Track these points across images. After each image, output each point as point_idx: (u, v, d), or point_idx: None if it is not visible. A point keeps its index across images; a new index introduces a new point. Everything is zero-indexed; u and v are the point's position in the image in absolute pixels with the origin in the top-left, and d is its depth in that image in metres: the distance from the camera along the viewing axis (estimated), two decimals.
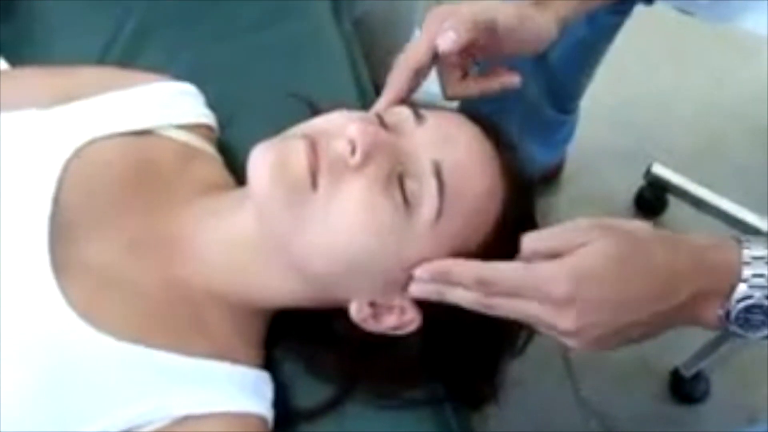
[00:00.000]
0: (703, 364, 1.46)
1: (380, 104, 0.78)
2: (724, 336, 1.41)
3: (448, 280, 0.69)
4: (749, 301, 0.66)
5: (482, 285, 0.67)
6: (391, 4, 1.26)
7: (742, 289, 0.66)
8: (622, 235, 0.67)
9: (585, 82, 1.49)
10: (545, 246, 0.67)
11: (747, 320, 0.67)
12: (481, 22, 0.77)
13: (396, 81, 0.78)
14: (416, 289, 0.71)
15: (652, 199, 1.66)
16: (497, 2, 0.80)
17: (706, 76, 1.84)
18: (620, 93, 1.78)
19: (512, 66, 0.82)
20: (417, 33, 1.45)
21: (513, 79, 0.82)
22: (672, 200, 1.66)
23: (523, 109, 1.38)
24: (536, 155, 1.51)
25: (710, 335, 1.43)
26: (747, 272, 0.66)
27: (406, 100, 0.78)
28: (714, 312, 0.68)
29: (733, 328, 0.68)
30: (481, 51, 0.80)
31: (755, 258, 0.66)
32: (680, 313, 0.67)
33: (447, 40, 0.76)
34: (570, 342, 0.68)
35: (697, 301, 0.67)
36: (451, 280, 0.68)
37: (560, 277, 0.65)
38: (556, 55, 1.31)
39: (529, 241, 0.68)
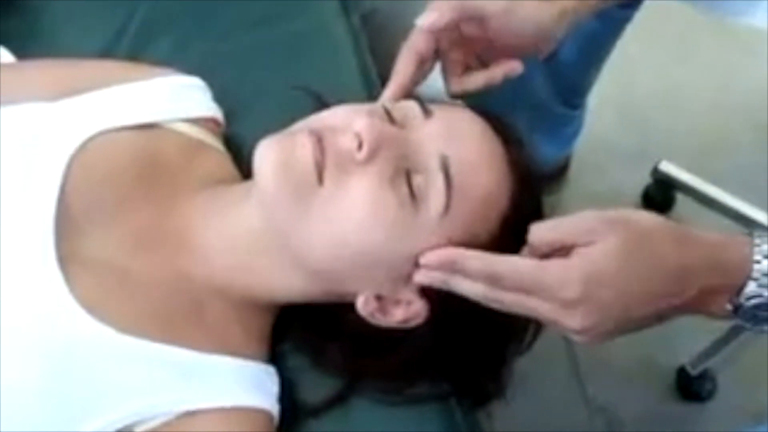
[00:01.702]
0: (709, 363, 1.45)
1: (387, 93, 0.78)
2: (731, 335, 1.41)
3: (456, 269, 0.68)
4: (758, 300, 0.67)
5: (491, 279, 0.67)
6: None
7: (751, 287, 0.66)
8: (632, 231, 0.67)
9: (593, 76, 1.48)
10: (552, 237, 0.67)
11: (755, 316, 0.67)
12: (468, 6, 0.77)
13: (400, 69, 0.78)
14: (421, 276, 0.70)
15: (659, 197, 1.66)
16: None
17: (713, 73, 1.84)
18: (627, 90, 1.78)
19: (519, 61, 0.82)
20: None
21: (514, 66, 0.80)
22: (679, 197, 1.65)
23: (531, 104, 1.37)
24: (543, 151, 1.50)
25: (717, 334, 1.43)
26: (757, 272, 0.66)
27: (412, 91, 0.78)
28: (722, 306, 0.68)
29: (741, 321, 0.68)
30: (477, 43, 0.79)
31: (766, 257, 0.66)
32: (688, 307, 0.68)
33: (426, 18, 0.76)
34: (575, 338, 0.68)
35: (706, 296, 0.67)
36: (460, 270, 0.68)
37: (571, 280, 0.65)
38: (564, 49, 1.30)
39: (537, 230, 0.68)
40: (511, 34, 0.78)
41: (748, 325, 0.68)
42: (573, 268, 0.65)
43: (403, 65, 0.78)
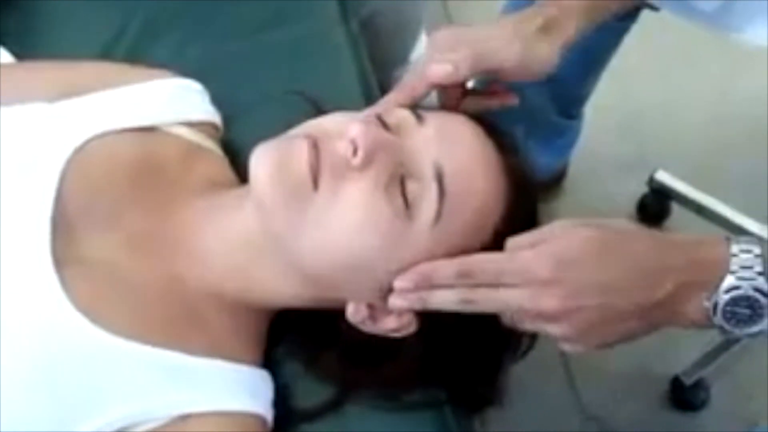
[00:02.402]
0: (703, 372, 1.45)
1: (368, 112, 0.78)
2: (726, 345, 1.41)
3: (431, 283, 0.69)
4: (737, 292, 0.66)
5: (464, 276, 0.67)
6: (399, 5, 1.26)
7: (729, 280, 0.66)
8: (607, 229, 0.68)
9: (590, 86, 1.49)
10: (527, 240, 0.68)
11: (734, 314, 0.67)
12: (485, 63, 0.78)
13: (390, 98, 0.79)
14: (396, 301, 0.71)
15: (654, 207, 1.66)
16: (501, 35, 0.79)
17: (710, 84, 1.84)
18: (624, 100, 1.78)
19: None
20: (423, 38, 1.45)
21: (511, 100, 0.82)
22: (675, 208, 1.65)
23: (527, 113, 1.37)
24: (540, 160, 1.51)
25: (711, 343, 1.43)
26: (735, 264, 0.66)
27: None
28: (699, 305, 0.67)
29: (720, 322, 0.67)
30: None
31: (743, 251, 0.67)
32: (665, 306, 0.67)
33: (440, 72, 0.77)
34: (558, 329, 0.68)
35: (683, 293, 0.67)
36: (434, 282, 0.69)
37: (541, 258, 0.66)
38: (562, 60, 1.30)
39: (513, 238, 0.69)
40: (520, 74, 0.80)
41: (727, 327, 0.67)
42: (544, 247, 0.66)
43: (394, 97, 0.78)
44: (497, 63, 0.78)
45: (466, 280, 0.68)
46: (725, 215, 1.57)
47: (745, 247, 0.67)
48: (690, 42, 1.74)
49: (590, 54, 1.37)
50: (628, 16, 1.27)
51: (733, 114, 1.80)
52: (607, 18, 0.86)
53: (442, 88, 0.80)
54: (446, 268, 0.68)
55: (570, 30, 0.82)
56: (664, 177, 1.64)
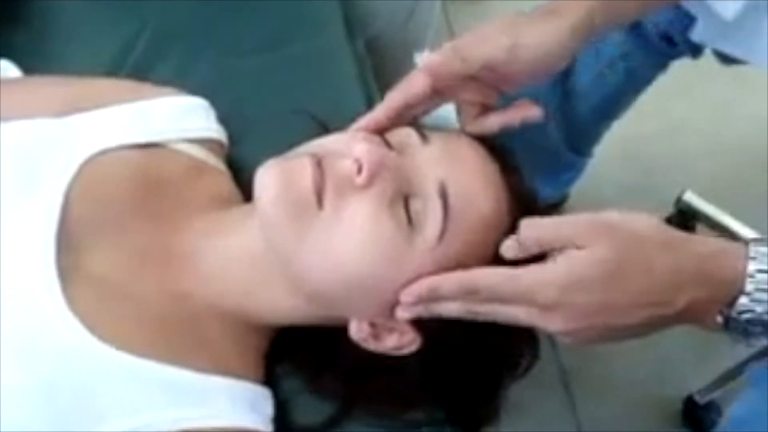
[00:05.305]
0: (717, 393, 1.45)
1: (364, 120, 0.77)
2: (741, 367, 1.40)
3: (435, 297, 0.69)
4: (750, 315, 0.66)
5: (469, 294, 0.67)
6: (404, 24, 1.27)
7: (743, 301, 0.66)
8: (622, 238, 0.66)
9: (606, 128, 1.49)
10: (542, 238, 0.67)
11: (745, 329, 0.67)
12: (473, 64, 0.76)
13: (386, 101, 0.77)
14: (403, 312, 0.71)
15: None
16: (493, 28, 0.76)
17: (716, 110, 1.85)
18: (630, 126, 1.78)
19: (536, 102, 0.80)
20: (417, 59, 1.45)
21: (535, 112, 0.78)
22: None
23: (540, 146, 1.36)
24: (542, 192, 1.49)
25: (727, 365, 1.43)
26: (750, 286, 0.65)
27: (395, 121, 0.77)
28: (714, 318, 0.67)
29: (731, 334, 0.68)
30: (493, 85, 0.78)
31: (760, 271, 0.65)
32: (677, 318, 0.67)
33: (430, 61, 0.76)
34: (561, 339, 0.68)
35: (696, 307, 0.66)
36: (439, 297, 0.69)
37: (546, 284, 0.65)
38: (587, 101, 1.31)
39: (527, 226, 0.68)
40: (521, 72, 0.77)
41: (739, 338, 0.67)
42: (550, 272, 0.65)
43: (391, 98, 0.77)
44: (487, 53, 0.75)
45: (470, 296, 0.68)
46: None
47: (762, 266, 0.65)
48: (696, 67, 1.74)
49: (616, 98, 1.39)
50: (662, 65, 1.28)
51: (739, 140, 1.80)
52: (631, 17, 0.84)
53: (462, 108, 0.80)
54: (450, 283, 0.68)
55: (579, 11, 0.76)
56: (691, 198, 1.61)
